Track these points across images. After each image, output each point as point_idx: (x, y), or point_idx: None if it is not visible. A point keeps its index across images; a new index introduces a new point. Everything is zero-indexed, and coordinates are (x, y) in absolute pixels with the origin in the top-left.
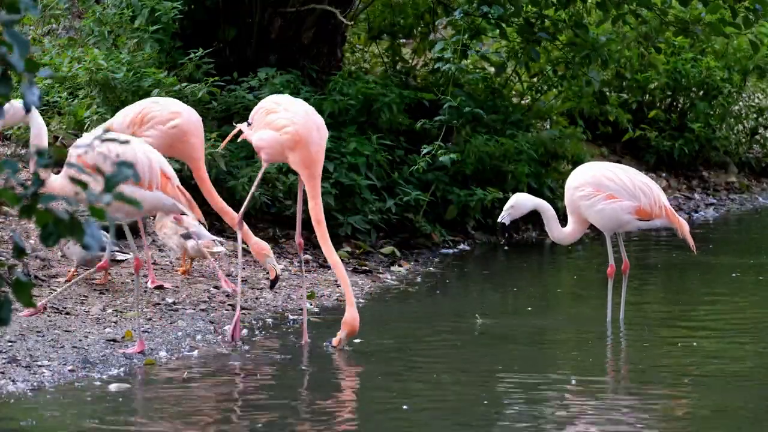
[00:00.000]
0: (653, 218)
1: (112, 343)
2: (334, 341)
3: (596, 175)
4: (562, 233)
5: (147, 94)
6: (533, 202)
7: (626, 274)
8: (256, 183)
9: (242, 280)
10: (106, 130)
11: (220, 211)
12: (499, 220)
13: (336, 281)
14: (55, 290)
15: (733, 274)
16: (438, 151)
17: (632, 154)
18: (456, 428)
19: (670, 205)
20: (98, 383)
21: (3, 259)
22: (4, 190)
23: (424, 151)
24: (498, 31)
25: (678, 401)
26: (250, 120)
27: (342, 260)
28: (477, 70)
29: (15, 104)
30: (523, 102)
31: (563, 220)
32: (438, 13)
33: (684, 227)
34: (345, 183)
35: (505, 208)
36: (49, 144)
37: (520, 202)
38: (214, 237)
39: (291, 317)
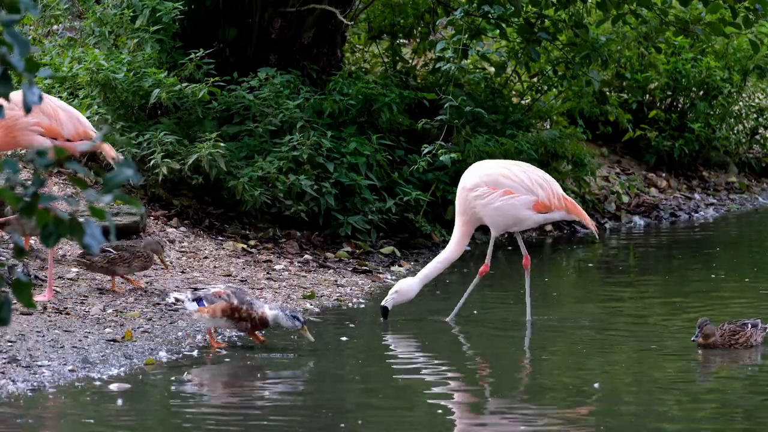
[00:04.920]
0: (552, 210)
1: (112, 343)
2: None
3: (491, 173)
4: (451, 252)
5: (147, 95)
6: (418, 282)
7: (482, 275)
8: None
9: (242, 281)
10: None
11: None
12: (383, 303)
13: (336, 281)
14: (56, 290)
15: (715, 275)
16: (439, 150)
17: (632, 154)
18: (457, 428)
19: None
20: (98, 383)
21: (3, 259)
22: (4, 190)
23: (425, 150)
24: (498, 31)
25: (681, 406)
26: None
27: (342, 260)
28: (477, 70)
29: None
30: (523, 102)
31: (563, 222)
32: (438, 13)
33: (584, 215)
34: (345, 183)
35: (390, 291)
36: None
37: (405, 289)
38: None
39: None
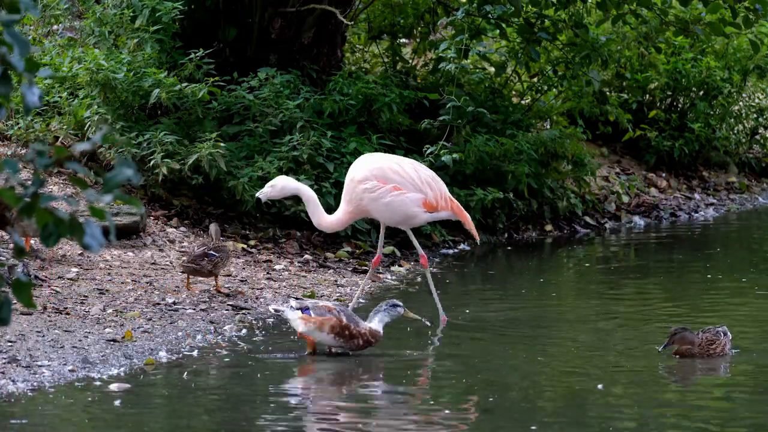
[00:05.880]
0: (439, 210)
1: (112, 343)
2: None
3: (381, 167)
4: (326, 220)
5: (147, 95)
6: (296, 186)
7: (375, 266)
8: None
9: (242, 281)
10: None
11: None
12: (257, 195)
13: (336, 281)
14: (56, 290)
15: (714, 276)
16: (441, 150)
17: (632, 154)
18: (455, 428)
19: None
20: (98, 383)
21: (3, 259)
22: (4, 190)
23: (428, 151)
24: (498, 31)
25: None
26: None
27: (342, 260)
28: (477, 70)
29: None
30: (523, 102)
31: (563, 220)
32: (438, 13)
33: (468, 219)
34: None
35: (268, 184)
36: (49, 144)
37: (281, 185)
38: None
39: None
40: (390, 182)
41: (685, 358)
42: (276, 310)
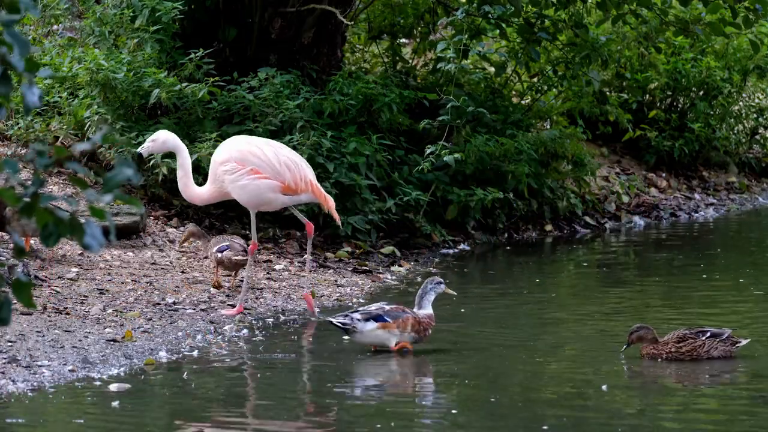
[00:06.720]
0: (299, 193)
1: (112, 343)
2: None
3: (242, 150)
4: (192, 191)
5: (147, 95)
6: (177, 144)
7: (252, 254)
8: None
9: (242, 280)
10: None
11: None
12: (138, 150)
13: (336, 281)
14: (56, 290)
15: (714, 276)
16: (442, 150)
17: (632, 154)
18: (456, 428)
19: (666, 202)
20: (98, 383)
21: (3, 259)
22: (4, 190)
23: (428, 151)
24: (498, 31)
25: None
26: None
27: (342, 260)
28: (477, 70)
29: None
30: (523, 102)
31: (563, 220)
32: (438, 13)
33: (329, 203)
34: (345, 183)
35: (149, 138)
36: (49, 144)
37: (163, 139)
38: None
39: (291, 317)
40: (248, 164)
41: (653, 358)
42: (343, 324)
